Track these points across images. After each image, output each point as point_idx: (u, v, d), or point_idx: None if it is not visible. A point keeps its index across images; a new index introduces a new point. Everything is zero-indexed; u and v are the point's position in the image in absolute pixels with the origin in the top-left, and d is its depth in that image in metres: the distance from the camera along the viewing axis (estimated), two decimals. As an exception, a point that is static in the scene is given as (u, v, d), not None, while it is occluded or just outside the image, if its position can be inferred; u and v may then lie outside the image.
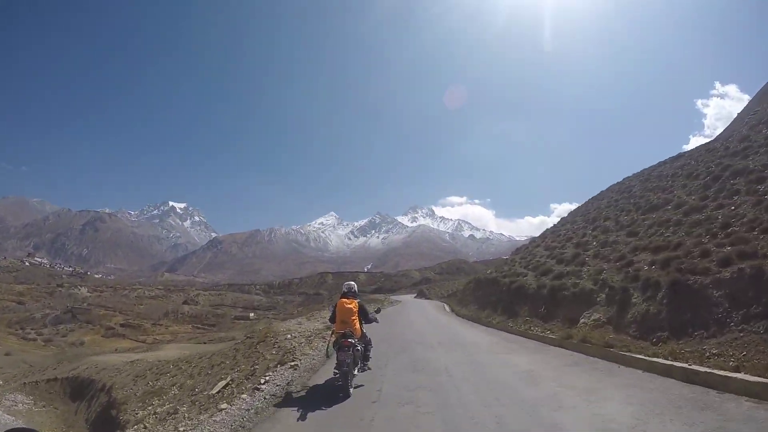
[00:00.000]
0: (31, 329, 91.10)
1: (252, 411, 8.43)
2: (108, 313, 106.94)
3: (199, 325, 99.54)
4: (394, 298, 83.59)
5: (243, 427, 7.62)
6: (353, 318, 9.44)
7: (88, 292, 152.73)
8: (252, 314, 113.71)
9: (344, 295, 9.89)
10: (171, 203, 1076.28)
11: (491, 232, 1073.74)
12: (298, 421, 7.36)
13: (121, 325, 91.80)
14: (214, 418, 8.53)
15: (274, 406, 8.51)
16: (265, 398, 9.22)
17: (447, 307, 42.46)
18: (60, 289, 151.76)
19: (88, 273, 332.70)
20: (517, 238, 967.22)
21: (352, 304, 9.59)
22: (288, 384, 10.16)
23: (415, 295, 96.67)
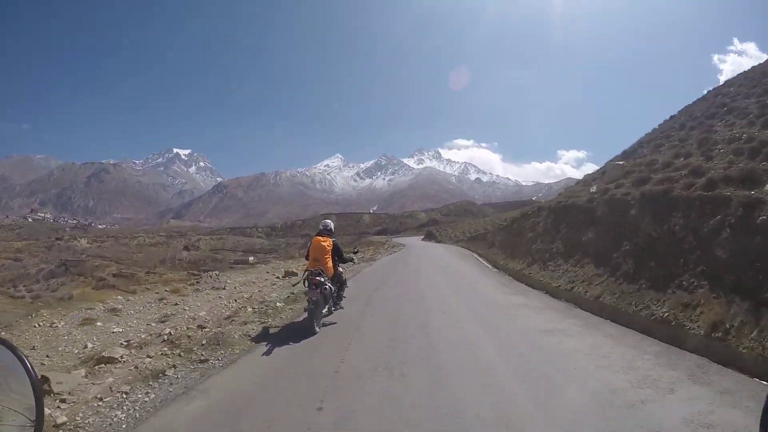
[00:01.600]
0: (23, 286, 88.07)
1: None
2: (103, 263, 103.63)
3: (194, 272, 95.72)
4: (397, 240, 77.38)
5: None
6: (326, 256, 9.36)
7: (87, 243, 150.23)
8: (252, 258, 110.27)
9: (320, 233, 9.80)
10: (175, 150, 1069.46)
11: (498, 176, 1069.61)
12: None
13: (114, 275, 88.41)
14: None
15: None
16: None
17: (482, 261, 27.24)
18: (59, 242, 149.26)
19: (92, 224, 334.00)
20: (524, 183, 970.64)
21: (326, 242, 9.49)
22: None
23: (423, 237, 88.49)
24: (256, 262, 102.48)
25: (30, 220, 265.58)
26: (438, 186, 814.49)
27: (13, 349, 1.74)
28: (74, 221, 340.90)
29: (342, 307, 10.55)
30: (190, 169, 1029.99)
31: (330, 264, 9.38)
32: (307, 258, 9.90)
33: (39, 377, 1.28)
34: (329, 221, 10.27)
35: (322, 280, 8.91)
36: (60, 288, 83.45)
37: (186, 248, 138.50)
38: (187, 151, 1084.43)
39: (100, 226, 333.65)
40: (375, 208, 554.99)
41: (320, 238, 9.57)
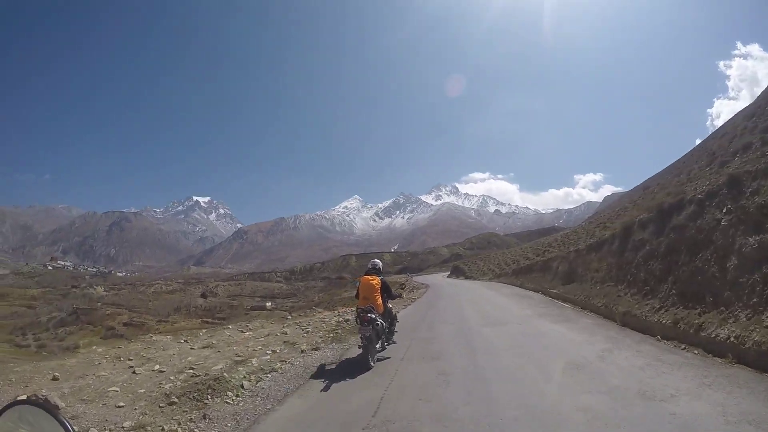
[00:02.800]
0: (32, 334, 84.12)
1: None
2: (116, 311, 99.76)
3: (209, 320, 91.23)
4: (418, 280, 64.31)
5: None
6: (375, 294, 9.55)
7: (104, 291, 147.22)
8: (269, 303, 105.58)
9: (368, 272, 10.11)
10: (195, 198, 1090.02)
11: (516, 206, 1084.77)
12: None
13: (124, 324, 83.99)
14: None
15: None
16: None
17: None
18: (74, 290, 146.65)
19: (112, 272, 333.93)
20: (543, 211, 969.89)
21: (375, 281, 9.70)
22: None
23: (449, 273, 77.96)
24: (275, 308, 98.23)
25: (50, 267, 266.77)
26: (458, 221, 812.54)
27: (50, 411, 1.68)
28: (94, 269, 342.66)
29: (395, 342, 10.74)
30: (210, 216, 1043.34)
31: (380, 301, 9.58)
32: (356, 297, 10.12)
33: None
34: (378, 260, 10.56)
35: (374, 316, 9.12)
36: (67, 337, 79.39)
37: (203, 295, 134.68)
38: (206, 199, 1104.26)
39: (119, 274, 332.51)
40: (396, 247, 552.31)
41: (369, 277, 9.84)
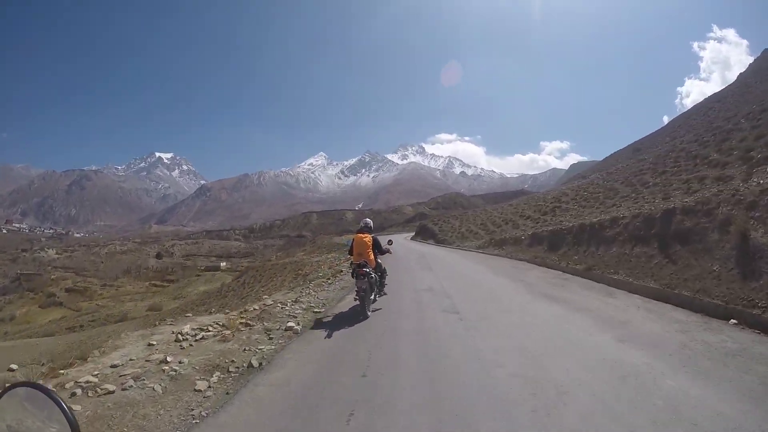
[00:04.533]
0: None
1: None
2: (61, 276, 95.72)
3: (157, 282, 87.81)
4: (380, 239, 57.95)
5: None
6: (368, 250, 10.30)
7: (56, 254, 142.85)
8: (224, 263, 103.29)
9: (360, 230, 10.83)
10: (157, 154, 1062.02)
11: (482, 169, 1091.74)
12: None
13: (66, 290, 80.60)
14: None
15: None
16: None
17: None
18: (24, 254, 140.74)
19: (70, 233, 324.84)
20: (508, 175, 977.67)
21: (367, 238, 10.44)
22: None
23: (414, 234, 65.03)
24: (228, 267, 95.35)
25: (5, 231, 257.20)
26: (423, 181, 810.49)
27: (48, 393, 1.73)
28: (51, 231, 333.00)
29: (386, 293, 11.74)
30: (172, 173, 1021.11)
31: (372, 257, 10.32)
32: (350, 253, 10.89)
33: (77, 421, 1.67)
34: (369, 220, 11.40)
35: (368, 270, 9.85)
36: (5, 307, 75.62)
37: (158, 255, 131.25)
38: (169, 155, 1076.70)
39: (77, 235, 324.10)
40: (360, 206, 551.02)
41: (361, 234, 10.51)
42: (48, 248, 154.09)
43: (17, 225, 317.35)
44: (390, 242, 12.51)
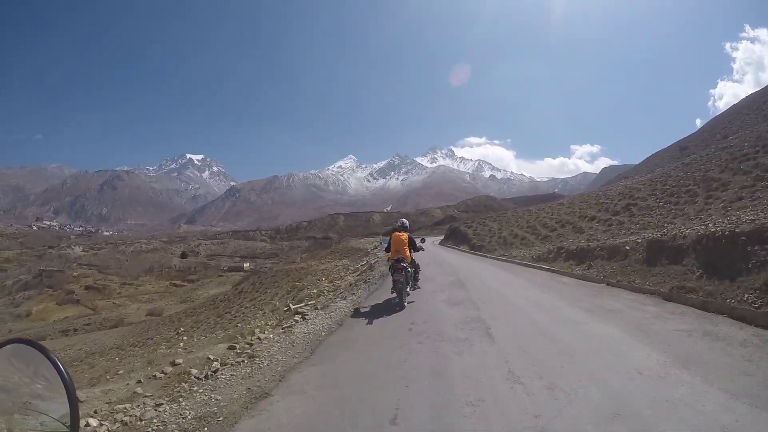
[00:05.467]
0: (-8, 298, 79.64)
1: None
2: (83, 273, 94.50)
3: (177, 282, 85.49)
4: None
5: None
6: (404, 247, 10.84)
7: (82, 251, 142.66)
8: (247, 264, 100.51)
9: (396, 229, 11.36)
10: (188, 156, 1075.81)
11: (512, 172, 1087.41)
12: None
13: (86, 288, 78.74)
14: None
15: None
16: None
17: None
18: (51, 251, 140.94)
19: (99, 231, 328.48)
20: (538, 179, 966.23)
21: (404, 236, 11.02)
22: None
23: (443, 239, 56.87)
24: (252, 269, 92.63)
25: (35, 228, 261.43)
26: (452, 184, 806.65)
27: (45, 352, 1.70)
28: (81, 229, 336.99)
29: (419, 287, 12.41)
30: (203, 174, 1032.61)
31: (408, 253, 10.85)
32: (387, 250, 11.61)
33: (72, 381, 1.65)
34: (405, 219, 11.93)
35: (405, 265, 10.44)
36: (24, 303, 74.28)
37: (183, 255, 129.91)
38: (200, 157, 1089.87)
39: (106, 233, 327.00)
40: (389, 208, 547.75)
41: (398, 233, 11.08)
42: (74, 245, 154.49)
43: (47, 222, 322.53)
44: (423, 240, 13.57)
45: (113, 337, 36.64)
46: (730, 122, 66.44)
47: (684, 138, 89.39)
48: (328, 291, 14.84)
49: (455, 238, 47.98)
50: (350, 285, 15.12)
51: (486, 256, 28.17)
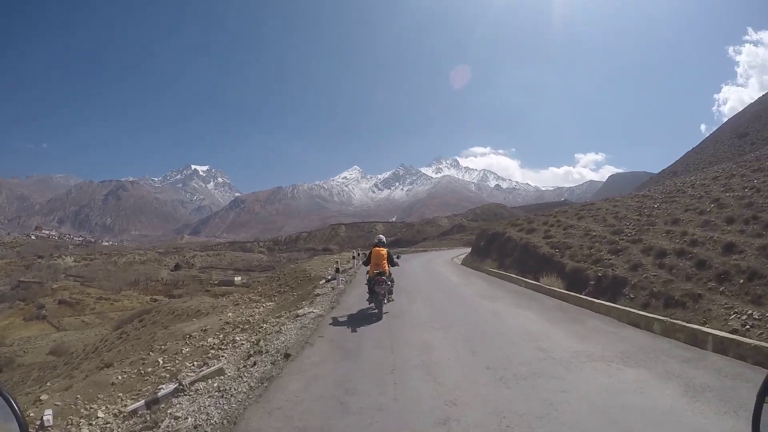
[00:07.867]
0: (-39, 313, 73.88)
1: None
2: (62, 285, 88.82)
3: (159, 297, 79.13)
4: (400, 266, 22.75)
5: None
6: (384, 261, 12.14)
7: (73, 261, 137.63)
8: (238, 278, 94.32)
9: (376, 245, 12.76)
10: (193, 166, 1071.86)
11: (517, 182, 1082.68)
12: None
13: (59, 302, 72.51)
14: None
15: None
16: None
17: None
18: (39, 261, 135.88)
19: (98, 241, 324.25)
20: (543, 188, 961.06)
21: (383, 251, 12.39)
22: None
23: (466, 255, 36.40)
24: (244, 283, 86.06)
25: (33, 237, 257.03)
26: (458, 194, 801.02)
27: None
28: (80, 239, 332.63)
29: (393, 299, 13.05)
30: (208, 185, 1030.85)
31: (387, 267, 12.14)
32: (366, 264, 13.16)
33: (25, 418, 1.59)
34: (382, 236, 13.54)
35: (385, 278, 11.71)
36: (-9, 316, 68.17)
37: (177, 266, 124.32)
38: (205, 167, 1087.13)
39: (105, 243, 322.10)
40: (394, 219, 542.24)
41: (378, 248, 12.50)
42: (66, 255, 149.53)
43: (47, 232, 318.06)
44: (398, 256, 14.70)
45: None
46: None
47: (734, 121, 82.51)
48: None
49: (497, 253, 26.63)
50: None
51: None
